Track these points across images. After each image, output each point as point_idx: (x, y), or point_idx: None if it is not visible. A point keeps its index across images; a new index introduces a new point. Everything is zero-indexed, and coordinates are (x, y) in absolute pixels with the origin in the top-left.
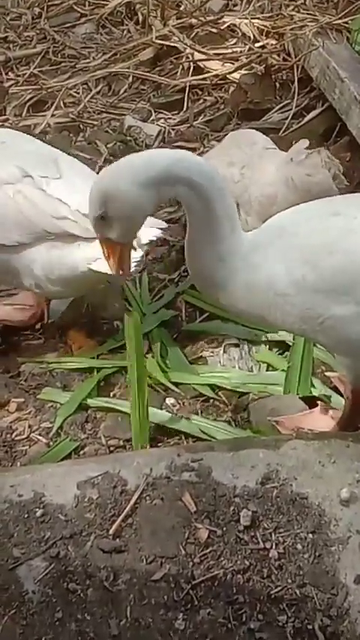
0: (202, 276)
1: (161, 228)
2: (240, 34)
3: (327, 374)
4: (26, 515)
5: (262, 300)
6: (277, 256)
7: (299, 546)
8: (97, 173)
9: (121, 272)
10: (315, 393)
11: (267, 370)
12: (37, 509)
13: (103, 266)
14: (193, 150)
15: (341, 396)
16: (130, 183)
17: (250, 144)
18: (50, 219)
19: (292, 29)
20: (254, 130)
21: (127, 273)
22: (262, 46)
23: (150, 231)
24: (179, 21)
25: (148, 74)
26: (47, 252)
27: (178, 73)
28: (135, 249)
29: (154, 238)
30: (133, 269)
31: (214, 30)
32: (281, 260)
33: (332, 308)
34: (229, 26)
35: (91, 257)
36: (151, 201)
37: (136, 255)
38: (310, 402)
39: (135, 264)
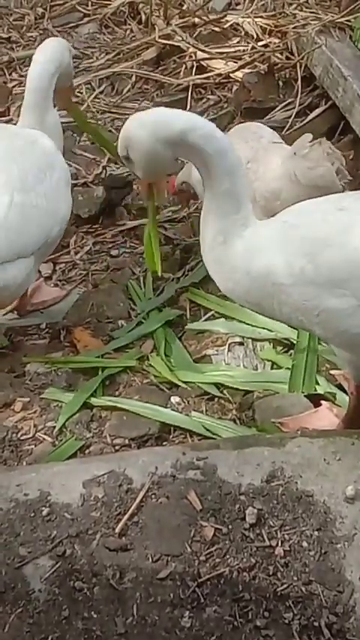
0: (206, 249)
1: None
2: (243, 32)
3: (332, 372)
4: (32, 514)
5: (261, 288)
6: (277, 246)
7: (305, 544)
8: (100, 173)
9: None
10: (320, 390)
11: (271, 368)
12: (43, 508)
13: None
14: None
15: (346, 393)
16: (149, 137)
17: (257, 138)
18: None
19: (294, 28)
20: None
21: (162, 200)
22: (265, 45)
23: None
24: (182, 20)
25: (151, 73)
26: None
27: (182, 73)
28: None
29: None
30: None
31: (217, 29)
32: (281, 250)
33: (328, 300)
34: (232, 25)
35: None
36: (167, 157)
37: None
38: (315, 399)
39: None
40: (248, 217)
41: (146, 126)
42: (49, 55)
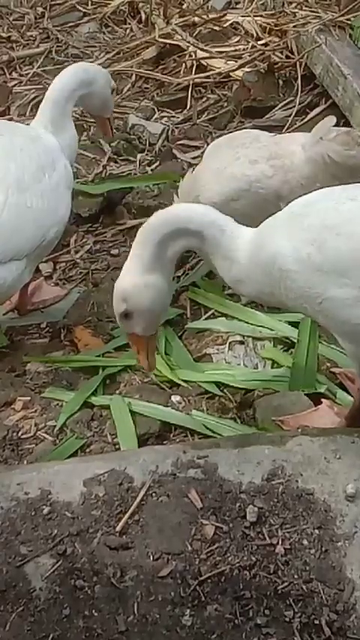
0: (231, 284)
1: None
2: (243, 31)
3: (332, 370)
4: (33, 513)
5: (269, 276)
6: (285, 234)
7: (305, 542)
8: (101, 172)
9: (147, 364)
10: (320, 389)
11: (272, 367)
12: (44, 507)
13: None
14: (196, 148)
15: (346, 391)
16: (142, 275)
17: (252, 139)
18: None
19: (294, 26)
20: (251, 129)
21: (152, 367)
22: (265, 44)
23: None
24: (182, 19)
25: (151, 73)
26: None
27: (182, 72)
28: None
29: None
30: None
31: (216, 28)
32: (289, 237)
33: (331, 289)
34: (231, 24)
35: None
36: (166, 281)
37: None
38: (316, 398)
39: None
40: (234, 230)
41: (131, 268)
42: (69, 75)
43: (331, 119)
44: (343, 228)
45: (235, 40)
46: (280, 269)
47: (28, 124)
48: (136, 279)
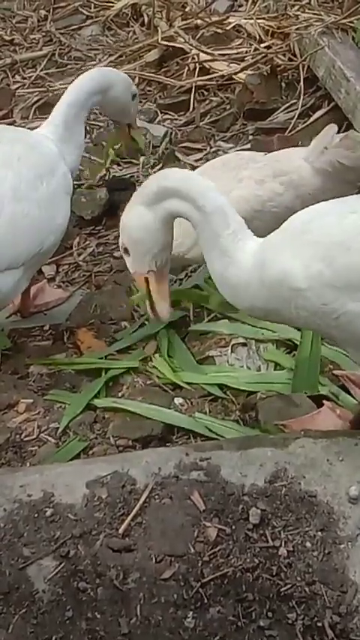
0: (220, 279)
1: None
2: (245, 34)
3: (335, 372)
4: (36, 515)
5: (277, 295)
6: (291, 252)
7: (308, 544)
8: (104, 175)
9: (149, 310)
10: (323, 391)
11: (275, 369)
12: (47, 509)
13: None
14: (199, 150)
15: (349, 394)
16: (137, 205)
17: (249, 160)
18: None
19: (297, 29)
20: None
21: (161, 315)
22: (268, 47)
23: None
24: (185, 22)
25: (154, 75)
26: None
27: (184, 74)
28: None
29: None
30: None
31: (219, 30)
32: (296, 256)
33: (348, 304)
34: (234, 27)
35: None
36: (156, 221)
37: None
38: (318, 400)
39: None
40: (241, 230)
41: (133, 200)
42: (86, 79)
43: (332, 127)
44: (352, 243)
45: (238, 42)
46: (291, 288)
47: (36, 126)
48: (130, 207)
